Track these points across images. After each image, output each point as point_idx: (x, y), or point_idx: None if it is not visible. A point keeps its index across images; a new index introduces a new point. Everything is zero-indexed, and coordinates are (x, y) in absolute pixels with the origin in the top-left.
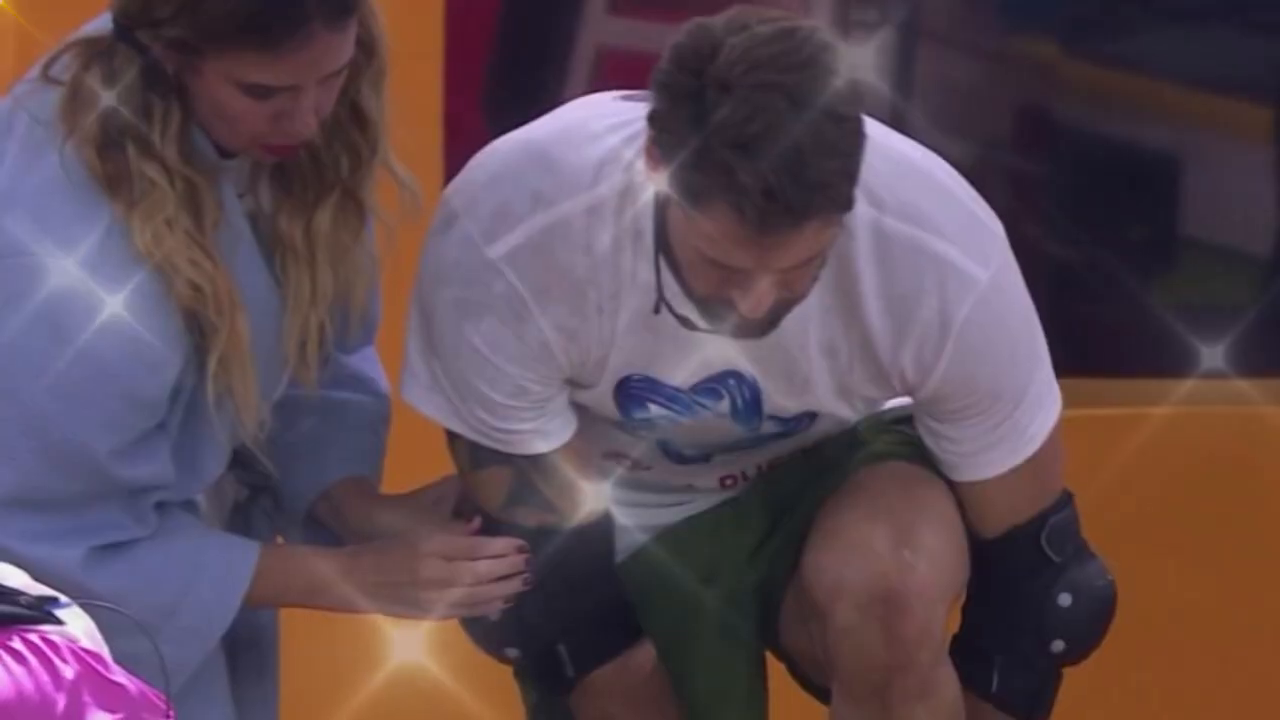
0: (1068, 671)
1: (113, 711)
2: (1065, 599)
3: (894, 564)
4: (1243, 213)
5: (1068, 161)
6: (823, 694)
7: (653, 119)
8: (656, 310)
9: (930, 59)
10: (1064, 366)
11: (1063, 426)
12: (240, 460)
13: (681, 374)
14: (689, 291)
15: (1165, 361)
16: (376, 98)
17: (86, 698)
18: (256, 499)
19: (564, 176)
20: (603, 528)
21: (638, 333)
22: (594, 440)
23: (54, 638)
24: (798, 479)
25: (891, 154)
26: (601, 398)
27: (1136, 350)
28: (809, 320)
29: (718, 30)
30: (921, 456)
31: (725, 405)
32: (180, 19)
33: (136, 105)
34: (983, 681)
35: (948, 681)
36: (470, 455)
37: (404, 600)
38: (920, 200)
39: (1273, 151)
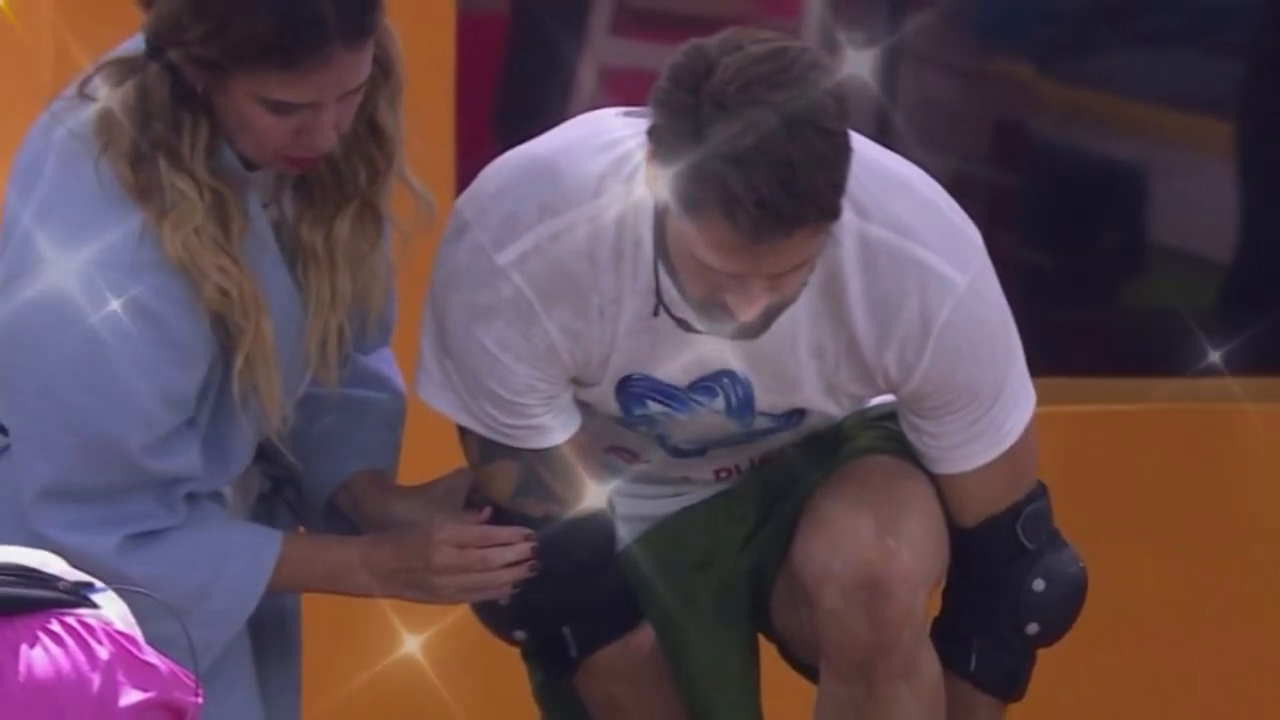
0: (1042, 653)
1: (145, 690)
2: (1039, 584)
3: (878, 551)
4: (1205, 221)
5: (1042, 174)
6: (812, 673)
7: (652, 133)
8: (655, 313)
9: (912, 78)
10: (1038, 366)
11: (1037, 422)
12: (265, 454)
13: (679, 373)
14: (686, 295)
15: (1133, 361)
16: (393, 114)
17: (120, 677)
18: (280, 490)
19: (568, 187)
20: (604, 517)
21: (638, 334)
22: (597, 435)
23: (90, 620)
24: (788, 472)
25: (876, 166)
26: (604, 395)
27: (1106, 350)
28: (798, 323)
29: (713, 50)
30: (904, 450)
31: (720, 402)
32: (209, 40)
33: (167, 121)
34: (962, 662)
35: (929, 661)
36: (480, 449)
37: (419, 586)
38: (903, 210)
39: (1232, 164)
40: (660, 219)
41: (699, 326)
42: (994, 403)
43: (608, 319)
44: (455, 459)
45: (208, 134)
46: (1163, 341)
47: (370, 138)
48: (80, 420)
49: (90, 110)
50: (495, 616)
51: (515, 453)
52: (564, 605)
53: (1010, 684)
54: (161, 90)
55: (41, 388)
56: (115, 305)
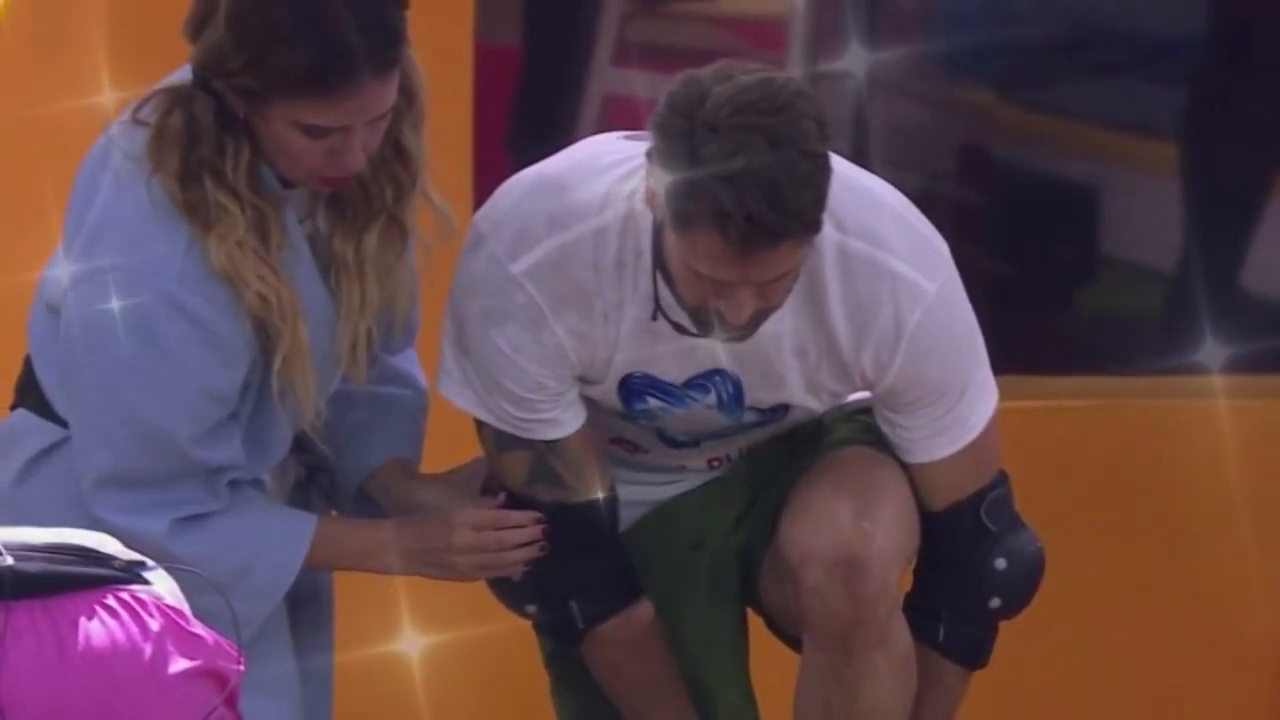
0: (1004, 626)
1: (192, 659)
2: (1001, 563)
3: (856, 533)
4: (1151, 235)
5: (1003, 192)
6: (795, 644)
7: (651, 154)
8: (654, 318)
9: (886, 104)
10: (1000, 365)
11: (998, 416)
12: (301, 445)
13: (675, 372)
14: (681, 302)
15: (1086, 361)
16: (416, 136)
17: (170, 647)
18: (314, 478)
19: (575, 204)
20: (608, 502)
21: (638, 337)
22: (601, 428)
23: (142, 596)
24: (774, 460)
25: (854, 185)
26: (607, 392)
27: (1062, 351)
28: (783, 326)
29: (706, 80)
30: (879, 442)
31: (712, 398)
32: (250, 71)
33: (212, 144)
34: (931, 633)
35: (901, 633)
36: (496, 440)
37: (440, 564)
38: (877, 224)
39: (1176, 183)
40: (658, 232)
41: (693, 330)
42: (960, 398)
43: (611, 323)
44: (472, 449)
45: (249, 156)
46: (1112, 343)
47: (396, 158)
48: (136, 415)
49: (142, 134)
50: (509, 592)
51: (528, 444)
52: (571, 581)
53: (975, 653)
54: (207, 116)
55: (102, 386)
56: (166, 311)
